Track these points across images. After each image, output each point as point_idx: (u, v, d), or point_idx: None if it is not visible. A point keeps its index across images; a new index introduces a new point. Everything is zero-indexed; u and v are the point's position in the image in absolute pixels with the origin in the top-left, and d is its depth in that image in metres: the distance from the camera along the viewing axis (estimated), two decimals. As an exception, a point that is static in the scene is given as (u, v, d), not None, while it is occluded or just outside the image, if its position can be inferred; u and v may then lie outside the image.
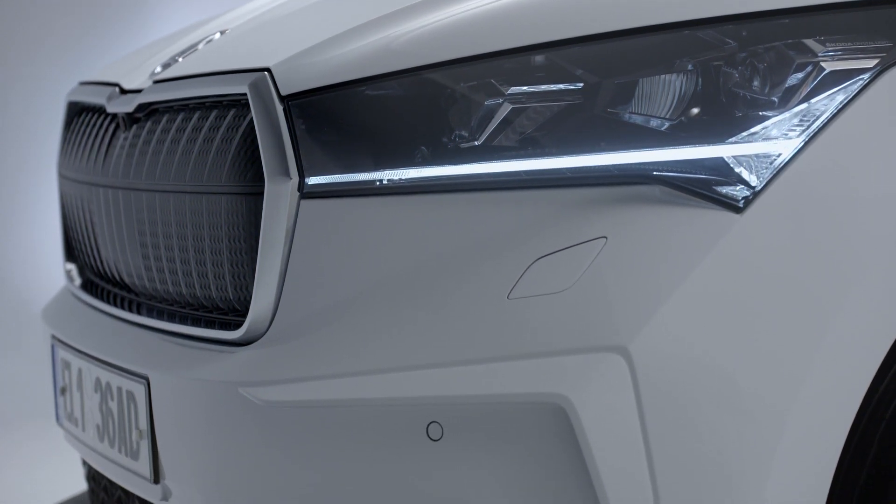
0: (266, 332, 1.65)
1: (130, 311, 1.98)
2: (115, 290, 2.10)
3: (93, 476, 2.27)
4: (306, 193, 1.62)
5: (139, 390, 1.79)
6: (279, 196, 1.62)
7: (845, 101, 1.54)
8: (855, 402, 1.52)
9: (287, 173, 1.62)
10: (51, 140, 5.17)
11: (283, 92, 1.65)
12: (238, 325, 1.69)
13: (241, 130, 1.71)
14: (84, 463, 2.32)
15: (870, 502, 1.58)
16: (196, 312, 1.83)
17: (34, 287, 5.59)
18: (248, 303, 1.67)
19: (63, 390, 2.11)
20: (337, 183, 1.62)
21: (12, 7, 6.04)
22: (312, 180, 1.62)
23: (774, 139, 1.52)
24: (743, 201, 1.50)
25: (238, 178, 1.69)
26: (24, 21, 6.08)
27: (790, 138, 1.52)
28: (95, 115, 2.15)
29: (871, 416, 1.58)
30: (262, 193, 1.64)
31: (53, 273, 4.97)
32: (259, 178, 1.65)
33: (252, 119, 1.67)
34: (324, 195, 1.62)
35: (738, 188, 1.51)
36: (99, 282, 2.18)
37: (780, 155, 1.52)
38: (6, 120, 6.15)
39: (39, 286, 5.69)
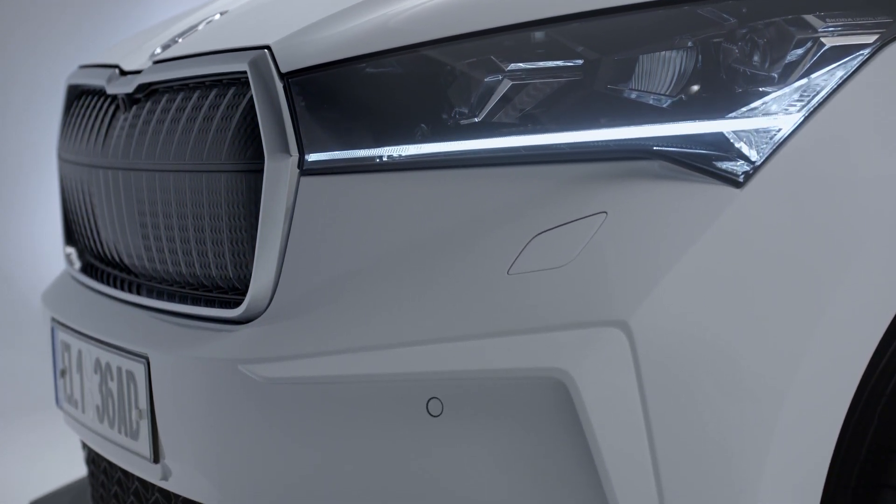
0: (266, 309, 1.65)
1: (130, 292, 1.98)
2: (115, 272, 2.10)
3: (92, 459, 2.27)
4: (306, 170, 1.62)
5: (139, 370, 1.79)
6: (279, 173, 1.62)
7: (845, 77, 1.54)
8: (854, 378, 1.52)
9: (287, 150, 1.62)
10: (50, 134, 5.17)
11: (283, 69, 1.65)
12: (238, 304, 1.69)
13: (240, 108, 1.71)
14: (84, 446, 2.32)
15: (870, 478, 1.58)
16: (196, 292, 1.83)
17: (33, 280, 5.59)
18: (248, 281, 1.67)
19: (63, 373, 2.11)
20: (337, 159, 1.62)
21: (12, 4, 6.04)
22: (312, 157, 1.62)
23: (774, 114, 1.52)
24: (743, 176, 1.50)
25: (238, 155, 1.69)
26: (24, 14, 6.08)
27: (790, 113, 1.52)
28: (95, 98, 2.15)
29: (871, 392, 1.59)
30: (261, 171, 1.64)
31: (53, 267, 4.98)
32: (259, 156, 1.65)
33: (252, 97, 1.67)
34: (323, 172, 1.62)
35: (737, 163, 1.51)
36: (99, 264, 2.18)
37: (779, 130, 1.52)
38: (6, 115, 6.16)
39: (39, 280, 5.70)
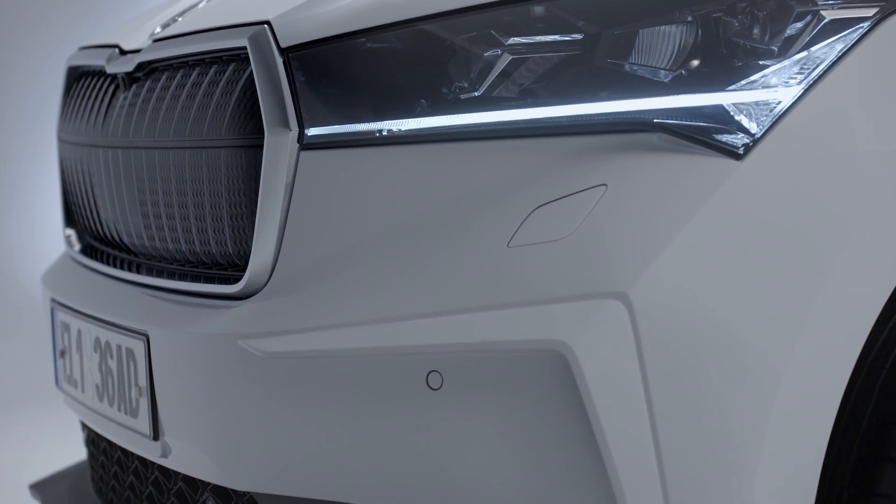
0: (265, 285, 1.65)
1: (130, 271, 1.98)
2: (115, 252, 2.10)
3: (92, 440, 2.27)
4: (306, 144, 1.62)
5: (138, 347, 1.79)
6: (279, 147, 1.62)
7: (844, 50, 1.54)
8: (854, 351, 1.52)
9: (287, 124, 1.62)
10: (49, 127, 5.17)
11: (283, 44, 1.65)
12: (238, 280, 1.69)
13: (240, 84, 1.71)
14: (83, 428, 2.32)
15: (870, 452, 1.58)
16: (196, 269, 1.83)
17: (32, 273, 5.60)
18: (248, 257, 1.67)
19: (62, 353, 2.11)
20: (336, 134, 1.62)
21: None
22: (312, 131, 1.62)
23: (774, 87, 1.52)
24: (743, 148, 1.50)
25: (238, 130, 1.69)
26: (24, 9, 6.09)
27: (790, 86, 1.52)
28: (95, 79, 2.15)
29: (871, 365, 1.58)
30: (261, 146, 1.64)
31: (52, 260, 4.98)
32: (259, 131, 1.65)
33: (251, 72, 1.67)
34: (323, 146, 1.62)
35: (737, 135, 1.51)
36: (98, 245, 2.18)
37: (779, 103, 1.52)
38: (5, 109, 6.16)
39: (38, 273, 5.71)
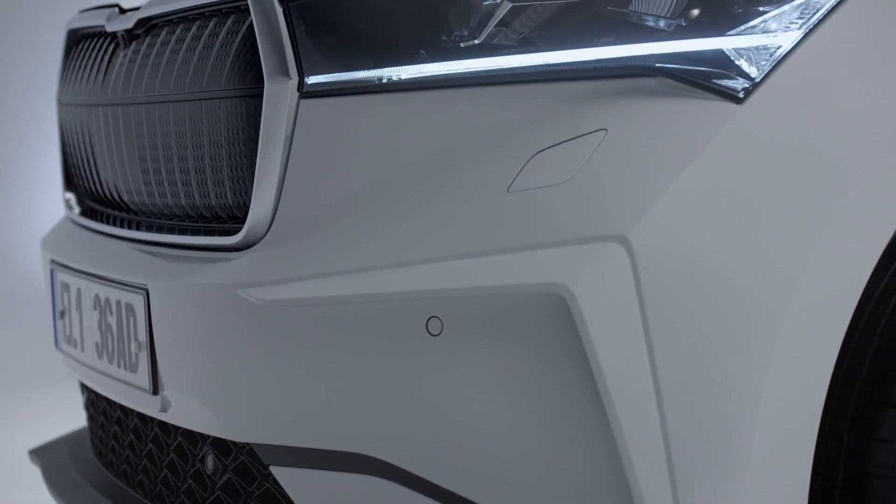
0: (265, 235, 1.65)
1: (129, 228, 1.98)
2: (115, 212, 2.09)
3: (91, 402, 2.27)
4: (306, 93, 1.62)
5: (138, 301, 1.79)
6: (278, 96, 1.62)
7: (845, -6, 1.54)
8: (854, 296, 1.52)
9: (286, 73, 1.62)
10: (49, 121, 5.17)
11: None
12: (237, 232, 1.69)
13: (240, 35, 1.71)
14: (83, 390, 2.32)
15: (871, 395, 1.58)
16: (195, 224, 1.83)
17: (33, 262, 5.60)
18: (247, 209, 1.67)
19: (62, 313, 2.11)
20: (336, 82, 1.62)
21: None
22: (312, 79, 1.62)
23: (774, 32, 1.52)
24: (742, 92, 1.50)
25: (237, 80, 1.69)
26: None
27: (789, 31, 1.52)
28: (95, 40, 2.15)
29: (872, 311, 1.58)
30: (261, 96, 1.63)
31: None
32: (259, 81, 1.64)
33: (251, 23, 1.67)
34: (323, 94, 1.62)
35: (737, 80, 1.51)
36: (98, 207, 2.18)
37: (779, 48, 1.52)
38: (5, 103, 6.16)
39: (39, 262, 5.72)
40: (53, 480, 2.25)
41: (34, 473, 2.72)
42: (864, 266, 1.52)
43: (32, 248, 5.83)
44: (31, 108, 6.09)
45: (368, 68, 1.60)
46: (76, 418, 3.58)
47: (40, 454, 2.40)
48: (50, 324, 2.21)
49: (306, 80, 1.62)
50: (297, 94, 1.62)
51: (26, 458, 2.48)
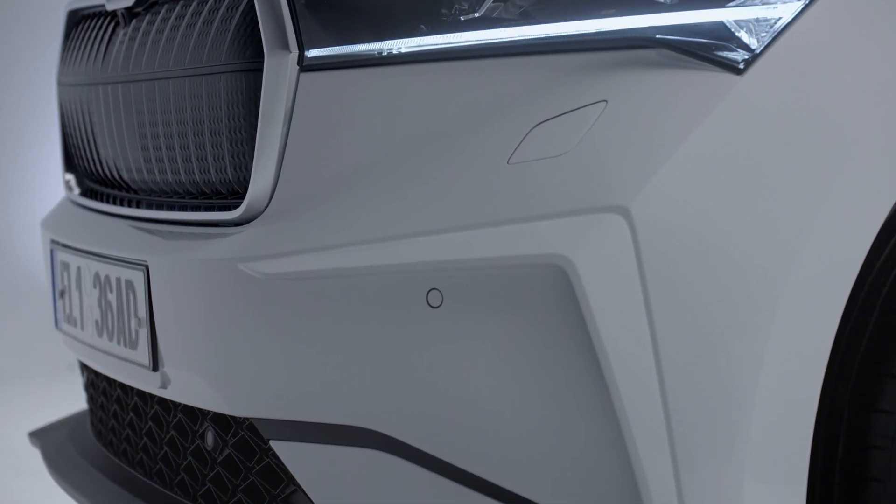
0: (265, 209, 1.65)
1: (129, 206, 1.98)
2: (114, 192, 2.09)
3: (91, 383, 2.27)
4: (306, 66, 1.62)
5: (138, 278, 1.79)
6: (279, 70, 1.62)
7: (845, -34, 1.54)
8: (854, 268, 1.52)
9: (287, 47, 1.62)
10: (49, 117, 5.16)
11: None
12: (237, 208, 1.69)
13: (240, 9, 1.71)
14: (83, 371, 2.32)
15: (872, 368, 1.58)
16: (195, 200, 1.83)
17: (35, 255, 5.60)
18: (247, 184, 1.67)
19: (62, 293, 2.11)
20: (336, 55, 1.62)
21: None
22: (312, 53, 1.62)
23: (774, 4, 1.52)
24: (743, 63, 1.50)
25: (237, 55, 1.69)
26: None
27: (790, 2, 1.52)
28: (95, 20, 2.15)
29: (872, 284, 1.58)
30: (261, 70, 1.63)
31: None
32: (259, 55, 1.64)
33: None
34: (323, 67, 1.62)
35: (737, 51, 1.51)
36: (98, 187, 2.18)
37: (779, 19, 1.52)
38: (5, 98, 6.16)
39: (40, 254, 5.71)
40: (53, 461, 2.25)
41: (35, 460, 2.72)
42: (864, 237, 1.52)
43: (32, 247, 5.83)
44: (31, 109, 6.09)
45: (368, 41, 1.60)
46: (76, 401, 3.58)
47: (40, 436, 2.40)
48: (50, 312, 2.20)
49: (306, 53, 1.62)
50: (298, 67, 1.62)
51: (27, 445, 2.48)
